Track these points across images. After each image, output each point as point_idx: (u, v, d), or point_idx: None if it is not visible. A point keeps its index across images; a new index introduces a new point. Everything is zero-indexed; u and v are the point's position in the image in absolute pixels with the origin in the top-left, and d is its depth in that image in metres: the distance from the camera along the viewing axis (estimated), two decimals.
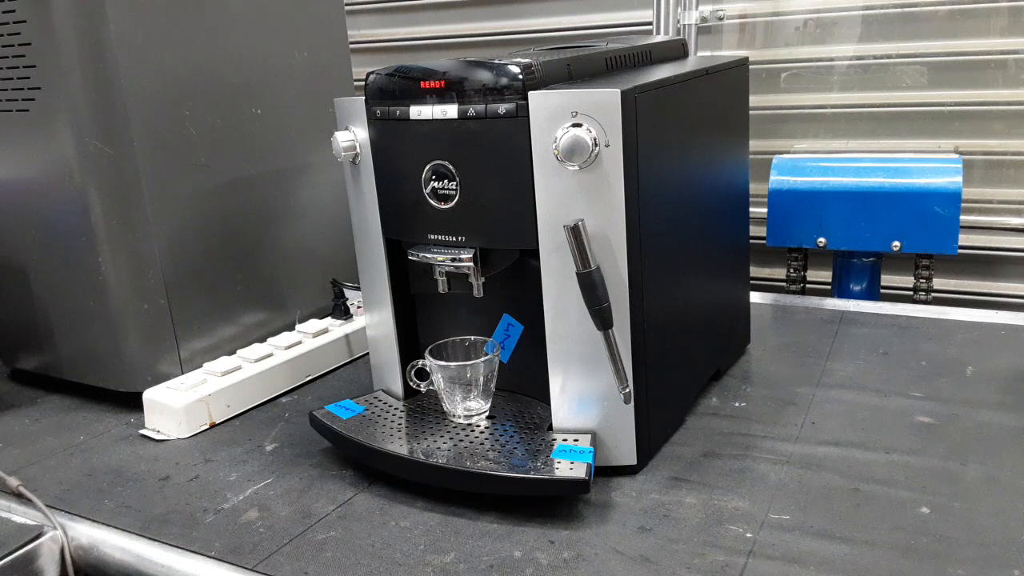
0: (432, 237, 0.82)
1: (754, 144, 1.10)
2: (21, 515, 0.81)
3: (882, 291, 1.48)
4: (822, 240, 1.39)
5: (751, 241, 1.10)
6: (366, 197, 0.86)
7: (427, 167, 0.79)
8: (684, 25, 1.65)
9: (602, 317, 0.75)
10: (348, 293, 1.18)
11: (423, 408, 0.90)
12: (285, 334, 1.11)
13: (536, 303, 0.79)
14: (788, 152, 1.49)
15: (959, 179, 1.31)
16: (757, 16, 1.61)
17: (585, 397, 0.80)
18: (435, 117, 0.77)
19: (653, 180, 0.78)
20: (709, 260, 0.97)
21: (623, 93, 0.71)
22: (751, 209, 1.08)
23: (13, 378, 1.16)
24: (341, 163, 0.87)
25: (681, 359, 0.90)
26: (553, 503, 0.78)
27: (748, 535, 0.72)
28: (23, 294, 1.05)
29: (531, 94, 0.73)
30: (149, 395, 0.98)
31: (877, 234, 1.36)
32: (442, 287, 0.85)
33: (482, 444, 0.81)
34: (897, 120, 1.55)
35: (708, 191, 0.95)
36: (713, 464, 0.83)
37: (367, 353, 0.96)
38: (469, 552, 0.72)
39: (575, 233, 0.73)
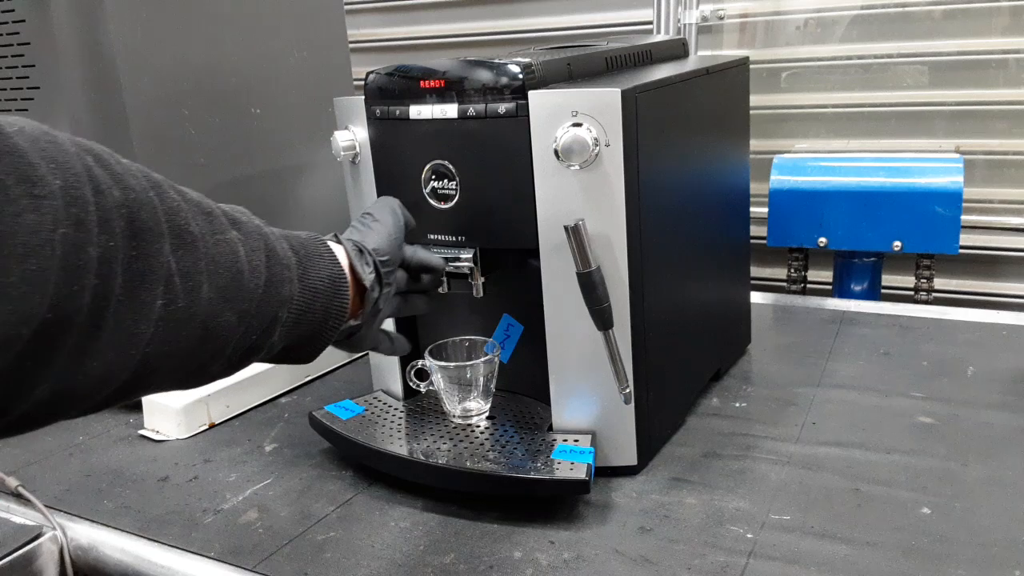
0: (432, 237, 0.81)
1: (754, 144, 1.09)
2: (20, 515, 0.80)
3: (883, 291, 1.47)
4: (823, 240, 1.39)
5: (752, 241, 1.10)
6: (366, 197, 0.86)
7: (427, 167, 0.79)
8: (684, 24, 1.65)
9: (602, 317, 0.75)
10: None
11: (423, 408, 0.90)
12: None
13: (536, 303, 0.79)
14: (789, 152, 1.48)
15: (960, 179, 1.30)
16: (757, 16, 1.61)
17: (585, 397, 0.80)
18: (435, 117, 0.77)
19: (653, 180, 0.78)
20: (709, 260, 0.97)
21: (623, 93, 0.71)
22: (752, 209, 1.08)
23: None
24: (340, 163, 0.87)
25: (681, 359, 0.90)
26: (553, 504, 0.78)
27: (749, 536, 0.72)
28: None
29: (531, 93, 0.73)
30: (148, 395, 0.98)
31: (878, 234, 1.35)
32: (442, 287, 0.85)
33: (482, 444, 0.81)
34: (898, 120, 1.55)
35: (708, 191, 0.95)
36: (714, 464, 0.83)
37: (367, 353, 0.96)
38: (469, 553, 0.72)
39: (575, 233, 0.72)
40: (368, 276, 0.65)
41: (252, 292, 0.51)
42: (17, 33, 0.93)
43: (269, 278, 0.53)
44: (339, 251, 0.63)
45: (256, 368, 1.02)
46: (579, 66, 0.80)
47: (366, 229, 0.70)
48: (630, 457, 0.81)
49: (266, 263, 0.53)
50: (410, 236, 0.84)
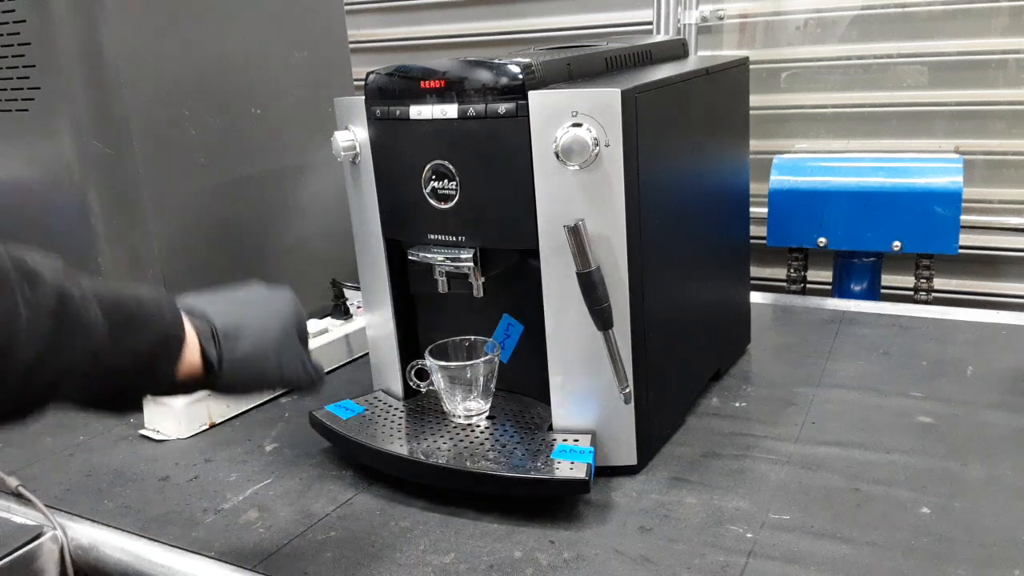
0: (432, 237, 0.82)
1: (754, 144, 1.09)
2: (21, 515, 0.81)
3: (883, 291, 1.47)
4: (823, 240, 1.39)
5: (751, 241, 1.10)
6: (366, 197, 0.86)
7: (427, 167, 0.79)
8: (684, 25, 1.65)
9: (602, 317, 0.75)
10: (348, 293, 1.17)
11: (423, 408, 0.90)
12: None
13: (536, 303, 0.79)
14: (788, 152, 1.48)
15: (959, 179, 1.30)
16: (757, 16, 1.61)
17: (585, 397, 0.80)
18: (435, 117, 0.77)
19: (653, 180, 0.78)
20: (709, 260, 0.97)
21: (623, 93, 0.71)
22: (752, 209, 1.08)
23: None
24: (341, 163, 0.87)
25: (681, 359, 0.90)
26: (553, 503, 0.78)
27: (748, 535, 0.72)
28: None
29: (531, 94, 0.73)
30: None
31: (878, 234, 1.35)
32: (442, 287, 0.85)
33: (482, 444, 0.81)
34: (897, 120, 1.55)
35: (708, 191, 0.95)
36: (713, 464, 0.83)
37: (367, 353, 0.96)
38: (469, 552, 0.72)
39: (575, 233, 0.73)
40: (212, 353, 0.64)
41: (20, 360, 0.50)
42: (17, 33, 0.93)
43: (51, 344, 0.52)
44: (188, 326, 0.62)
45: None
46: (579, 66, 0.80)
47: (220, 304, 0.68)
48: (630, 457, 0.81)
49: (51, 328, 0.52)
50: (410, 237, 0.84)
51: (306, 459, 0.89)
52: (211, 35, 1.03)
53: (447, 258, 0.81)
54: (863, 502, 0.75)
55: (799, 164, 1.41)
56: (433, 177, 0.79)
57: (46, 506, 0.80)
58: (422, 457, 0.80)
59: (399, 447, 0.82)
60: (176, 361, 0.61)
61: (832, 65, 1.57)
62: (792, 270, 1.50)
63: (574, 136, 0.72)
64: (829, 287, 1.52)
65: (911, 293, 1.44)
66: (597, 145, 0.72)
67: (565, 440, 0.80)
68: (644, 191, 0.76)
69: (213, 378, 0.64)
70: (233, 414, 1.00)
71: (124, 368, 0.57)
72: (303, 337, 0.72)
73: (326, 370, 1.09)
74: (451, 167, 0.78)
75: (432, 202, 0.80)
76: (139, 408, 0.64)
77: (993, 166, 1.51)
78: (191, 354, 0.62)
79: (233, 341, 0.65)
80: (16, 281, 0.51)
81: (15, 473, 0.87)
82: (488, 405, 0.86)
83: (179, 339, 0.61)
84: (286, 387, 0.73)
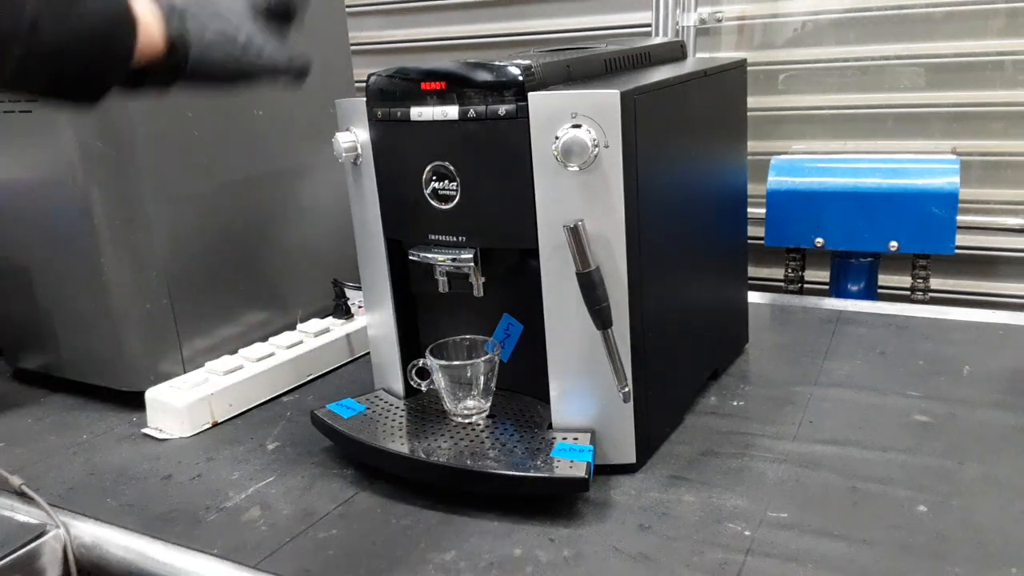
0: (433, 237, 0.82)
1: (752, 145, 1.10)
2: (24, 514, 0.81)
3: (880, 291, 1.48)
4: (820, 240, 1.40)
5: (749, 241, 1.10)
6: (367, 198, 0.87)
7: (428, 168, 0.79)
8: (683, 27, 1.66)
9: (602, 317, 0.75)
10: (349, 293, 1.18)
11: (424, 407, 0.90)
12: (287, 333, 1.11)
13: (536, 303, 0.79)
14: (786, 153, 1.49)
15: (956, 179, 1.31)
16: (756, 18, 1.62)
17: (585, 396, 0.80)
18: (436, 118, 0.77)
19: (652, 181, 0.78)
20: (708, 260, 0.97)
21: (622, 94, 0.72)
22: (750, 209, 1.08)
23: (16, 377, 1.16)
24: (342, 164, 0.87)
25: (680, 358, 0.91)
26: (553, 501, 0.78)
27: (746, 533, 0.72)
28: (26, 294, 1.06)
29: (531, 95, 0.73)
30: (151, 394, 0.98)
31: (875, 234, 1.36)
32: (442, 287, 0.85)
33: (482, 443, 0.82)
34: (895, 121, 1.55)
35: (707, 192, 0.95)
36: (712, 463, 0.84)
37: (368, 352, 0.97)
38: (470, 550, 0.72)
39: (575, 233, 0.73)
40: (174, 29, 0.61)
41: None
42: None
43: None
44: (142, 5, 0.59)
45: (259, 367, 1.03)
46: (578, 68, 0.81)
47: None
48: (629, 455, 0.82)
49: None
50: (411, 237, 0.85)
51: (308, 458, 0.90)
52: None
53: (448, 258, 0.81)
54: (860, 500, 0.76)
55: (797, 165, 1.42)
56: (434, 178, 0.79)
57: (49, 504, 0.81)
58: (423, 456, 0.80)
59: (400, 446, 0.82)
60: (130, 41, 0.58)
61: (829, 67, 1.58)
62: (790, 270, 1.51)
63: (574, 137, 0.72)
64: (826, 287, 1.52)
65: (908, 293, 1.45)
66: (596, 146, 0.73)
67: (564, 439, 0.80)
68: (643, 192, 0.76)
69: (180, 59, 0.61)
70: (235, 413, 1.01)
71: (71, 48, 0.56)
72: (281, 12, 0.68)
73: (326, 370, 1.11)
74: (452, 168, 0.78)
75: (433, 203, 0.80)
76: (103, 97, 0.60)
77: (990, 167, 1.51)
78: (150, 35, 0.59)
79: (196, 18, 0.61)
80: None
81: (18, 472, 0.87)
82: (488, 404, 0.87)
83: (129, 17, 0.58)
84: (265, 71, 0.66)
